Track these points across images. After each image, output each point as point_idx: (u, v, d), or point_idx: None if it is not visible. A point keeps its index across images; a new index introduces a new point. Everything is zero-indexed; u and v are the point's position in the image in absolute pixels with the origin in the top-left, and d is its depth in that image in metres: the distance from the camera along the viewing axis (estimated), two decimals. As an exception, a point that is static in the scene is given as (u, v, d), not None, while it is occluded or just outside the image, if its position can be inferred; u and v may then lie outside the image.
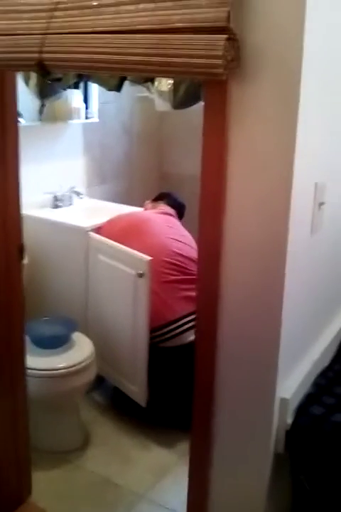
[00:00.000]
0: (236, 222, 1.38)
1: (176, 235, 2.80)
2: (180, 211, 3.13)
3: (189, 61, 1.20)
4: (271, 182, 1.30)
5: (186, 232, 2.89)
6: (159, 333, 2.56)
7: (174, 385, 2.62)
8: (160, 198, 3.19)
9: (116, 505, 2.24)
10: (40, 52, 1.46)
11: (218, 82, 1.27)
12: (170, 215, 3.02)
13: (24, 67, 1.68)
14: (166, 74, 1.42)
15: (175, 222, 2.98)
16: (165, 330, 2.55)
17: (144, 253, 2.52)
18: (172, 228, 2.87)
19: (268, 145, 1.29)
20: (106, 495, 2.30)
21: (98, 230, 2.85)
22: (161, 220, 2.89)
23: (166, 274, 2.62)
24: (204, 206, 1.41)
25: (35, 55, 1.47)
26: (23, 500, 2.23)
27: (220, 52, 1.16)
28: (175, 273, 2.64)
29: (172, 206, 3.10)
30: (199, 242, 1.47)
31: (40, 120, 3.06)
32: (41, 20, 1.47)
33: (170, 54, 1.22)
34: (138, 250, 2.55)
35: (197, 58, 1.19)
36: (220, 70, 1.17)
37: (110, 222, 2.87)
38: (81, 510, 2.21)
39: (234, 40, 1.20)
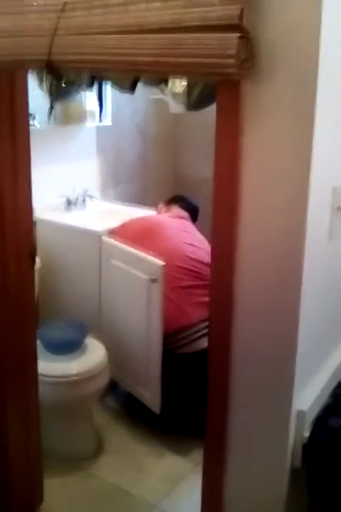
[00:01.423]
0: (251, 228, 1.33)
1: (191, 240, 2.76)
2: (193, 214, 3.09)
3: (201, 61, 1.15)
4: (287, 186, 1.25)
5: (201, 236, 2.84)
6: (174, 339, 2.51)
7: (189, 391, 2.57)
8: (173, 200, 3.15)
9: (129, 515, 2.21)
10: (49, 52, 1.42)
11: (231, 83, 1.22)
12: (184, 218, 2.98)
13: (34, 67, 1.65)
14: (178, 74, 1.38)
15: (189, 226, 2.94)
16: (180, 336, 2.51)
17: (158, 257, 2.48)
18: (186, 232, 2.82)
19: (284, 148, 1.24)
20: (119, 504, 2.26)
21: (111, 233, 2.81)
22: (175, 224, 2.85)
23: (180, 280, 2.58)
24: (218, 211, 1.37)
25: (44, 56, 1.44)
26: (35, 508, 2.20)
27: (233, 52, 1.12)
28: (189, 278, 2.60)
29: (186, 209, 3.07)
30: (213, 247, 1.43)
31: (49, 123, 3.02)
32: (50, 20, 1.43)
33: (181, 54, 1.18)
34: (152, 254, 2.51)
35: (209, 58, 1.14)
36: (233, 70, 1.12)
37: (124, 225, 2.84)
38: (93, 518, 2.18)
39: (247, 39, 1.15)
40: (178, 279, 2.58)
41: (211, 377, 1.49)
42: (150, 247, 2.58)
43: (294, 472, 1.44)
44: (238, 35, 1.12)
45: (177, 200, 3.14)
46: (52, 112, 2.94)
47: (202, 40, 1.15)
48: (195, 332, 2.50)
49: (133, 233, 2.74)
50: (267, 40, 1.18)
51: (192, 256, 2.65)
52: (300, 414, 1.38)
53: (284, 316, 1.33)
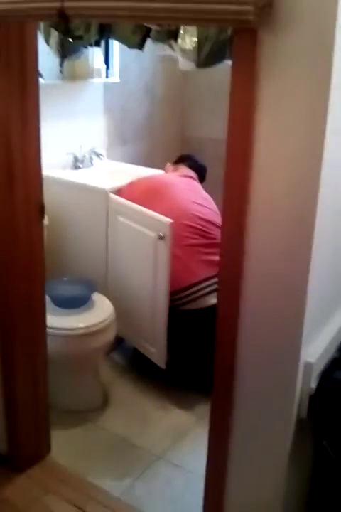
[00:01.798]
0: (264, 180, 1.33)
1: (198, 199, 2.75)
2: (201, 174, 3.08)
3: (218, 7, 1.14)
4: (303, 140, 1.25)
5: (208, 196, 2.84)
6: (180, 296, 2.54)
7: (194, 347, 2.61)
8: (181, 160, 3.14)
9: (134, 465, 2.25)
10: (62, 0, 1.40)
11: (248, 32, 1.21)
12: (192, 178, 2.97)
13: (45, 17, 1.63)
14: (194, 22, 1.36)
15: (196, 185, 2.93)
16: (186, 293, 2.53)
17: (165, 216, 2.48)
18: (193, 192, 2.82)
19: (300, 98, 1.23)
20: (124, 454, 2.32)
21: (118, 192, 2.81)
22: (182, 184, 2.85)
23: (187, 238, 2.59)
24: (230, 165, 1.37)
25: (57, 4, 1.42)
26: (43, 457, 2.26)
27: (251, -2, 1.10)
28: (196, 237, 2.61)
29: (194, 169, 3.05)
30: (224, 203, 1.42)
31: (59, 78, 3.00)
32: (63, -33, 1.41)
33: (197, 0, 1.16)
34: (159, 213, 2.51)
35: (226, 4, 1.13)
36: (251, 17, 1.12)
37: (131, 184, 2.83)
38: (99, 468, 2.23)
39: (266, -15, 1.13)
40: (185, 238, 2.59)
41: (219, 333, 1.51)
42: (157, 206, 2.58)
43: (300, 422, 1.47)
44: (257, -20, 1.10)
45: (185, 159, 3.12)
46: (62, 67, 2.91)
47: (219, -14, 1.14)
48: (201, 289, 2.52)
49: (140, 193, 2.74)
50: (286, -13, 1.17)
51: (199, 215, 2.66)
52: (308, 366, 1.41)
53: (294, 271, 1.34)
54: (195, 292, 2.52)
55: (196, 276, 2.53)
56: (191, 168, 3.05)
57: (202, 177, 3.07)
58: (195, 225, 2.61)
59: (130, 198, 2.70)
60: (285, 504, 1.52)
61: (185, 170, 3.02)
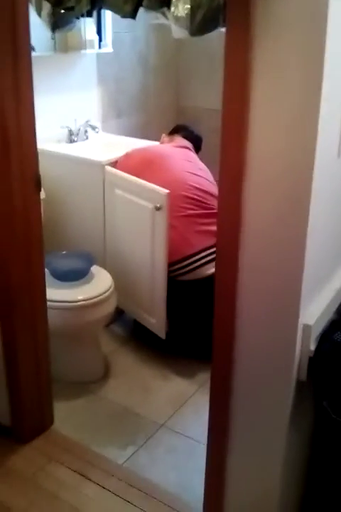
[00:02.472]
0: (261, 148, 1.32)
1: (194, 169, 2.75)
2: (196, 144, 3.06)
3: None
4: (298, 104, 1.24)
5: (204, 166, 2.84)
6: (178, 267, 2.55)
7: (193, 317, 2.63)
8: (176, 130, 3.12)
9: (137, 434, 2.29)
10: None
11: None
12: (188, 148, 2.96)
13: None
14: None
15: (192, 155, 2.92)
16: (184, 263, 2.54)
17: (163, 186, 2.48)
18: (189, 162, 2.81)
19: (295, 60, 1.22)
20: (127, 424, 2.35)
21: (114, 164, 2.80)
22: (178, 154, 2.83)
23: (184, 209, 2.59)
24: (226, 132, 1.36)
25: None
26: (46, 429, 2.29)
27: None
28: (193, 207, 2.61)
29: (189, 139, 3.04)
30: (221, 167, 1.41)
31: (54, 50, 2.97)
32: None
33: None
34: (156, 185, 2.51)
35: None
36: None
37: (126, 156, 2.82)
38: (102, 438, 2.26)
39: None
40: (182, 208, 2.59)
41: (217, 296, 1.51)
42: (153, 177, 2.58)
43: (299, 384, 1.49)
44: None
45: (180, 129, 3.10)
46: (53, 37, 2.88)
47: None
48: (199, 259, 2.53)
49: (135, 164, 2.73)
50: None
51: (196, 185, 2.65)
52: (307, 328, 1.42)
53: (292, 234, 1.34)
54: (193, 262, 2.53)
55: (193, 246, 2.54)
56: (186, 138, 3.04)
57: (197, 147, 3.06)
58: (191, 195, 2.61)
59: (125, 169, 2.69)
60: (286, 468, 1.55)
61: (180, 140, 3.01)
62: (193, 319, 2.63)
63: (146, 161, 2.75)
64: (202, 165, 2.85)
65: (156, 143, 3.10)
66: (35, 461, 2.13)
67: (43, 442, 2.23)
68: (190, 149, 2.96)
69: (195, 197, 2.62)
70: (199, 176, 2.72)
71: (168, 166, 2.71)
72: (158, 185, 2.50)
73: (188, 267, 2.54)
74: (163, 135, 3.12)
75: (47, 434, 2.27)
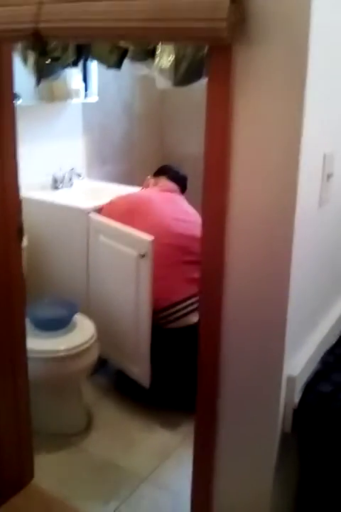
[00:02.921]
0: (242, 195, 1.33)
1: (180, 214, 2.73)
2: (182, 184, 3.02)
3: (192, 25, 1.15)
4: (279, 153, 1.26)
5: (189, 208, 2.80)
6: (164, 315, 2.52)
7: (178, 366, 2.59)
8: (161, 172, 3.08)
9: (119, 488, 2.22)
10: (36, 21, 1.41)
11: (222, 48, 1.22)
12: (173, 191, 2.93)
13: (20, 38, 1.63)
14: (168, 40, 1.38)
15: (178, 198, 2.89)
16: (170, 311, 2.52)
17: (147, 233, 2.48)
18: (174, 206, 2.79)
19: (275, 114, 1.24)
20: (109, 477, 2.28)
21: (99, 211, 2.80)
22: (163, 200, 2.83)
23: (168, 257, 2.58)
24: (208, 180, 1.37)
25: (32, 25, 1.42)
26: (26, 484, 2.21)
27: (224, 15, 1.12)
28: (178, 255, 2.60)
29: (175, 180, 3.00)
30: (203, 217, 1.42)
31: (35, 99, 3.00)
32: (37, -12, 1.41)
33: (172, 17, 1.17)
34: (142, 230, 2.50)
35: (200, 22, 1.14)
36: (224, 34, 1.12)
37: (111, 203, 2.82)
38: (84, 493, 2.19)
39: (239, 3, 1.14)
40: (167, 257, 2.58)
41: (201, 347, 1.49)
42: (138, 225, 2.57)
43: (284, 436, 1.46)
44: (229, -2, 1.11)
45: (165, 171, 3.07)
46: (39, 87, 2.90)
47: (193, 4, 1.15)
48: (184, 308, 2.51)
49: (120, 212, 2.72)
50: (258, 4, 1.18)
51: (182, 231, 2.64)
52: (291, 380, 1.40)
53: (275, 284, 1.34)
54: (178, 310, 2.51)
55: (179, 294, 2.52)
56: (172, 179, 3.00)
57: (183, 187, 3.03)
58: (175, 242, 2.60)
59: (111, 216, 2.69)
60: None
61: (165, 183, 2.98)
62: (178, 368, 2.59)
63: (130, 208, 2.74)
64: (187, 206, 2.82)
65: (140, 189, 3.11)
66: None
67: (23, 500, 2.15)
68: (175, 192, 2.94)
69: (181, 244, 2.61)
70: (184, 220, 2.71)
71: (152, 212, 2.71)
72: (144, 232, 2.49)
73: (174, 314, 2.52)
74: (148, 177, 3.10)
75: (27, 489, 2.19)
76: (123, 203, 2.79)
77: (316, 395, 1.43)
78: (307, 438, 1.45)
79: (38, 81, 2.91)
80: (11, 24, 1.51)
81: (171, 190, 2.93)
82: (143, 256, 2.43)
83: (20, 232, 2.01)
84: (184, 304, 2.51)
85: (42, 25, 1.41)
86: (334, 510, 1.48)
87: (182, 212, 2.75)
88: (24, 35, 1.50)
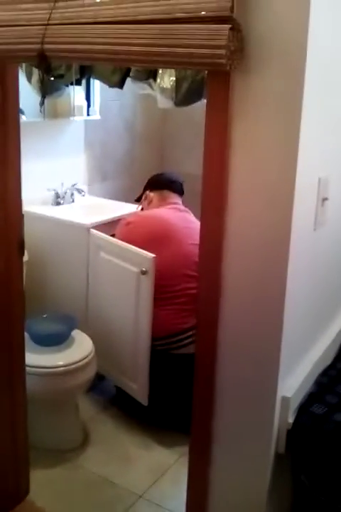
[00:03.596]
0: (239, 218, 1.36)
1: (195, 236, 2.57)
2: (182, 192, 2.96)
3: (192, 51, 1.18)
4: (274, 177, 1.28)
5: (195, 220, 2.75)
6: (175, 340, 2.55)
7: (176, 388, 2.58)
8: (161, 185, 2.94)
9: (115, 505, 2.21)
10: (42, 42, 1.44)
11: (221, 74, 1.25)
12: (184, 211, 2.86)
13: (25, 58, 1.67)
14: (169, 65, 1.41)
15: (190, 218, 2.82)
16: (181, 337, 2.54)
17: (169, 265, 2.57)
18: (190, 228, 2.73)
19: (271, 139, 1.27)
20: (105, 494, 2.28)
21: (98, 228, 2.81)
22: (180, 222, 2.75)
23: (187, 288, 2.57)
24: (206, 203, 1.39)
25: (37, 46, 1.46)
26: (21, 500, 2.21)
27: (223, 43, 1.15)
28: (194, 284, 2.57)
29: (177, 191, 2.92)
30: (201, 238, 1.44)
31: (39, 116, 3.03)
32: (43, 11, 1.45)
33: (173, 44, 1.20)
34: (163, 262, 2.53)
35: (200, 48, 1.17)
36: (223, 61, 1.15)
37: (128, 227, 2.72)
38: (79, 509, 2.19)
39: (237, 31, 1.18)
40: (185, 288, 2.59)
41: (197, 367, 1.51)
42: (161, 254, 2.54)
43: (278, 457, 1.47)
44: (229, 26, 1.15)
45: (166, 184, 2.93)
46: (43, 105, 2.93)
47: (193, 31, 1.18)
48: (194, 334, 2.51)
49: (143, 241, 2.62)
50: (256, 33, 1.21)
51: (196, 258, 2.61)
52: (285, 401, 1.41)
53: (270, 306, 1.36)
54: (188, 337, 2.51)
55: (189, 323, 2.51)
56: (175, 191, 2.92)
57: (182, 192, 2.97)
58: (193, 273, 2.56)
59: (132, 241, 2.61)
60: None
61: (171, 197, 2.89)
62: (176, 391, 2.59)
63: (153, 238, 2.66)
64: (194, 219, 2.77)
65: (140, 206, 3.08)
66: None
67: (18, 516, 2.15)
68: (186, 212, 2.86)
69: (196, 274, 2.59)
70: (197, 244, 2.65)
71: (173, 242, 2.66)
72: (166, 263, 2.55)
73: (186, 340, 2.53)
74: (151, 194, 2.92)
75: (22, 505, 2.19)
76: (143, 230, 2.71)
77: (309, 416, 1.44)
78: (301, 459, 1.45)
79: (43, 99, 2.95)
80: (18, 45, 1.55)
81: (180, 209, 2.85)
82: (144, 273, 2.44)
83: (21, 247, 2.03)
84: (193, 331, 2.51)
85: (47, 46, 1.45)
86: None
87: (196, 234, 2.65)
88: (30, 56, 1.54)
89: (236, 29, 1.17)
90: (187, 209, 2.88)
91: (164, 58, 1.24)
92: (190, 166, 3.61)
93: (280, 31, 1.20)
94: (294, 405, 1.45)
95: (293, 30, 1.19)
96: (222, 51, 1.15)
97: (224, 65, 1.16)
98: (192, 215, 2.83)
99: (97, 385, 2.88)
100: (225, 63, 1.15)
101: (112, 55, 1.33)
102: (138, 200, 3.07)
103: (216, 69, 1.21)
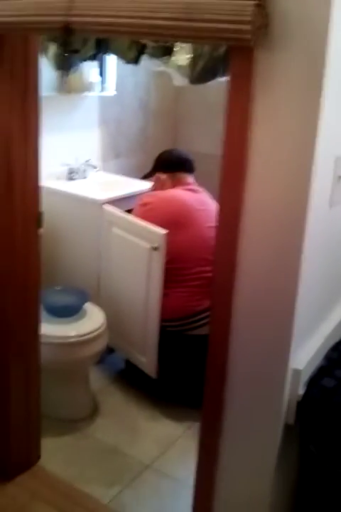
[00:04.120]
0: (257, 191, 1.38)
1: (211, 218, 2.56)
2: (193, 171, 2.93)
3: (217, 26, 1.20)
4: (293, 153, 1.31)
5: (210, 200, 2.78)
6: (190, 321, 2.59)
7: (187, 366, 2.64)
8: (173, 166, 2.89)
9: (123, 474, 2.27)
10: (67, 15, 1.46)
11: (245, 50, 1.27)
12: (197, 189, 2.85)
13: (50, 30, 1.67)
14: (193, 39, 1.42)
15: (205, 199, 2.83)
16: (197, 318, 2.58)
17: (188, 248, 2.62)
18: (206, 210, 2.74)
19: (292, 116, 1.29)
20: (113, 462, 2.33)
21: (112, 202, 2.84)
22: (197, 204, 2.76)
23: (205, 272, 2.59)
24: (226, 174, 1.41)
25: (63, 18, 1.47)
26: (32, 464, 2.27)
27: (248, 18, 1.16)
28: (210, 268, 2.57)
29: (189, 171, 2.89)
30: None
31: (58, 90, 3.05)
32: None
33: (198, 18, 1.22)
34: (182, 245, 2.59)
35: (225, 23, 1.19)
36: (248, 36, 1.17)
37: (145, 207, 2.72)
38: (87, 476, 2.25)
39: (262, 7, 1.19)
40: (202, 272, 2.62)
41: (212, 338, 1.54)
42: (181, 238, 2.61)
43: (287, 428, 1.51)
44: (254, 2, 1.16)
45: (178, 165, 2.89)
46: (57, 78, 2.95)
47: (219, 6, 1.19)
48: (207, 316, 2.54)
49: (162, 223, 2.60)
50: (281, 10, 1.23)
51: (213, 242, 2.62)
52: (296, 373, 1.45)
53: (284, 280, 1.39)
54: (204, 318, 2.53)
55: (207, 304, 2.51)
56: (187, 172, 2.89)
57: (194, 170, 2.93)
58: (209, 256, 2.55)
59: (150, 221, 2.63)
60: (272, 508, 1.55)
61: (185, 178, 2.86)
62: (187, 367, 2.64)
63: (172, 221, 2.65)
64: (212, 202, 2.76)
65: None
66: (19, 498, 2.10)
67: (29, 479, 2.20)
68: (201, 192, 2.85)
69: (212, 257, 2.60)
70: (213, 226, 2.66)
71: (191, 225, 2.68)
72: (185, 246, 2.61)
73: (202, 320, 2.56)
74: (164, 177, 2.86)
75: (33, 470, 2.25)
76: (162, 212, 2.69)
77: (319, 389, 1.48)
78: (309, 430, 1.49)
79: (67, 73, 2.95)
80: (41, 16, 1.55)
81: (195, 190, 2.84)
82: (155, 248, 2.48)
83: (39, 220, 2.06)
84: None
85: (73, 18, 1.46)
86: (333, 502, 1.53)
87: (212, 216, 2.56)
88: (53, 28, 1.56)
89: (261, 5, 1.19)
90: (201, 189, 2.88)
91: (188, 32, 1.26)
92: (203, 145, 3.63)
93: (303, 8, 1.21)
94: (304, 378, 1.48)
95: (316, 7, 1.20)
96: (247, 27, 1.16)
97: (249, 41, 1.18)
98: (206, 194, 2.84)
99: (107, 358, 2.93)
100: (250, 39, 1.17)
101: (137, 28, 1.34)
102: (145, 178, 3.06)
103: (240, 45, 1.22)
